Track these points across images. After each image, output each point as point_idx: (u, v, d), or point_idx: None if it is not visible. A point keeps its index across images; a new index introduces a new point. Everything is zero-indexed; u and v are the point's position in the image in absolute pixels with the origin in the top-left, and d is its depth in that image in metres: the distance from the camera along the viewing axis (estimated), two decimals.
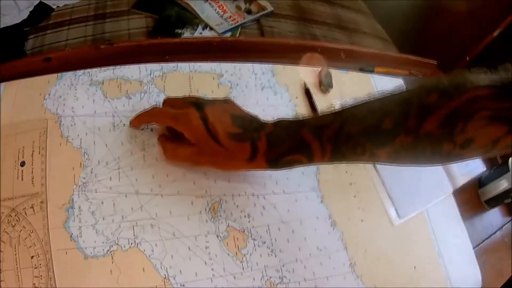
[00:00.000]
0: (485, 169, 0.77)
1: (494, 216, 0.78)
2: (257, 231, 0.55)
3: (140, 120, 0.57)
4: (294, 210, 0.58)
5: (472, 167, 0.75)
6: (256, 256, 0.54)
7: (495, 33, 1.28)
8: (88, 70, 0.61)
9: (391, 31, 1.52)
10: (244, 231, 0.55)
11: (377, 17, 1.58)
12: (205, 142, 0.51)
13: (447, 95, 0.45)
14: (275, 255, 0.55)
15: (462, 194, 0.74)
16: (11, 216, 0.50)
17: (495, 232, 0.75)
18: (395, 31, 1.53)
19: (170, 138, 0.56)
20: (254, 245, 0.54)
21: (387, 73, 0.78)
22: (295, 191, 0.60)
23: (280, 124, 0.52)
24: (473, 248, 0.70)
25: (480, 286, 0.68)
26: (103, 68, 0.62)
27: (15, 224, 0.49)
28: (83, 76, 0.61)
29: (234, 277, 0.52)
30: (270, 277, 0.53)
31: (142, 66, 0.63)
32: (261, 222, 0.56)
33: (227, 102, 0.56)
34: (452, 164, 0.72)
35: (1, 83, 0.59)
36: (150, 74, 0.63)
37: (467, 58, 1.34)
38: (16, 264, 0.48)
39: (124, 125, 0.57)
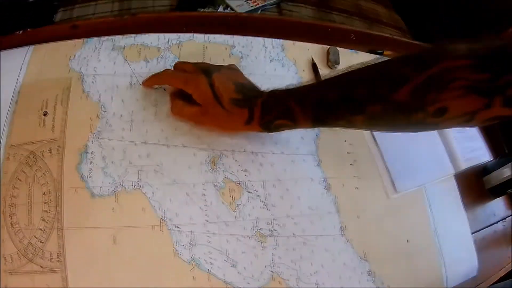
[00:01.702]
0: (491, 158, 0.78)
1: (498, 207, 0.79)
2: (252, 185, 0.61)
3: (153, 81, 0.64)
4: (290, 170, 0.63)
5: (476, 154, 0.77)
6: (249, 208, 0.59)
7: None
8: (112, 36, 0.69)
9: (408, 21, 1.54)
10: (240, 184, 0.60)
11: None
12: (211, 104, 0.58)
13: (423, 65, 0.48)
14: (267, 209, 0.60)
15: (466, 181, 0.76)
16: (29, 158, 0.57)
17: (497, 222, 0.76)
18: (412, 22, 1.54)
19: (180, 96, 0.62)
20: (248, 198, 0.60)
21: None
22: (293, 153, 0.65)
23: (273, 93, 0.59)
24: (472, 233, 0.72)
25: (476, 272, 0.69)
26: (125, 36, 0.69)
27: (32, 164, 0.57)
28: (106, 42, 0.69)
29: (226, 224, 0.58)
30: (260, 229, 0.59)
31: (161, 35, 0.70)
32: (257, 177, 0.61)
33: (231, 69, 0.64)
34: (454, 144, 0.75)
35: (31, 46, 0.67)
36: (168, 42, 0.70)
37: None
38: (29, 199, 0.55)
39: (140, 84, 0.65)
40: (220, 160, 0.61)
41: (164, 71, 0.64)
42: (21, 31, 0.70)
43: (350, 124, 0.55)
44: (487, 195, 0.79)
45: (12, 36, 0.70)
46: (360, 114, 0.52)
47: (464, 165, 0.74)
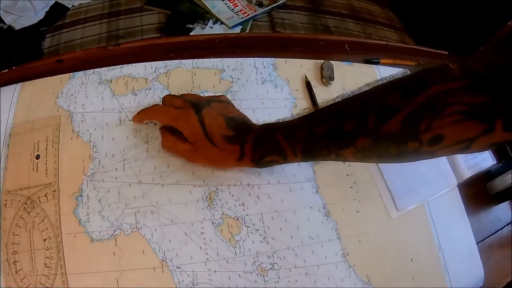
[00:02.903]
0: (494, 162, 0.78)
1: (502, 212, 0.79)
2: (250, 219, 0.62)
3: (142, 117, 0.65)
4: (288, 200, 0.65)
5: (479, 160, 0.77)
6: (248, 243, 0.61)
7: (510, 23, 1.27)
8: (98, 69, 0.70)
9: (404, 18, 1.54)
10: (238, 219, 0.62)
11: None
12: (202, 142, 0.59)
13: (410, 93, 0.46)
14: (267, 242, 0.61)
15: (469, 188, 0.77)
16: (27, 204, 0.60)
17: (503, 227, 0.77)
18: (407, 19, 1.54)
19: (170, 131, 0.63)
20: (247, 232, 0.61)
21: (394, 64, 0.81)
22: (290, 181, 0.66)
23: (263, 128, 0.60)
24: (478, 243, 0.72)
25: (482, 284, 0.70)
26: (111, 67, 0.70)
27: (30, 210, 0.59)
28: (93, 75, 0.70)
29: (227, 261, 0.59)
30: (262, 263, 0.60)
31: (148, 64, 0.71)
32: (255, 211, 0.63)
33: (221, 101, 0.64)
34: (457, 155, 0.75)
35: (18, 84, 0.69)
36: (155, 71, 0.71)
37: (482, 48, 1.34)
38: (30, 246, 0.57)
39: (129, 120, 0.66)
40: (217, 196, 0.62)
41: (153, 106, 0.64)
42: (6, 70, 0.71)
43: (340, 157, 0.55)
44: (491, 200, 0.79)
45: None
46: (349, 147, 0.52)
47: (467, 173, 0.75)
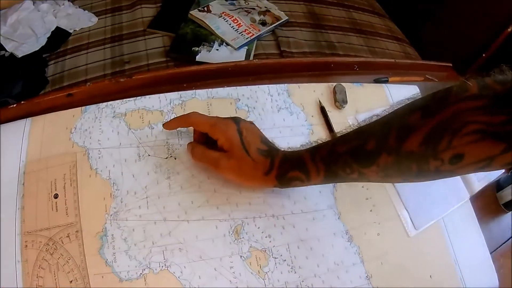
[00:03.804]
0: (503, 171, 0.81)
1: None
2: (277, 250, 0.64)
3: (177, 123, 0.67)
4: (312, 228, 0.67)
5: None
6: (277, 273, 0.63)
7: (510, 29, 1.32)
8: (111, 102, 0.71)
9: (405, 30, 1.58)
10: (265, 251, 0.64)
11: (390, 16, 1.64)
12: (238, 150, 0.62)
13: (430, 113, 0.48)
14: (295, 272, 0.63)
15: (480, 199, 0.80)
16: (49, 245, 0.60)
17: None
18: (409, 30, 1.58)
19: (199, 143, 0.66)
20: (275, 263, 0.63)
21: (402, 82, 0.84)
22: (313, 210, 0.68)
23: (290, 150, 0.64)
24: (491, 253, 0.75)
25: None
26: (124, 100, 0.71)
27: (53, 252, 0.59)
28: (106, 108, 0.70)
29: None
30: None
31: (162, 96, 0.73)
32: (281, 242, 0.65)
33: (252, 123, 0.67)
34: None
35: (28, 118, 0.69)
36: (170, 103, 0.72)
37: (484, 55, 1.38)
38: None
39: (148, 155, 0.67)
40: (243, 229, 0.64)
41: (190, 113, 0.66)
42: (15, 105, 0.71)
43: (362, 176, 0.57)
44: (501, 210, 0.82)
45: (6, 109, 0.71)
46: (371, 166, 0.54)
47: (478, 186, 0.78)
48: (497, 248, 0.78)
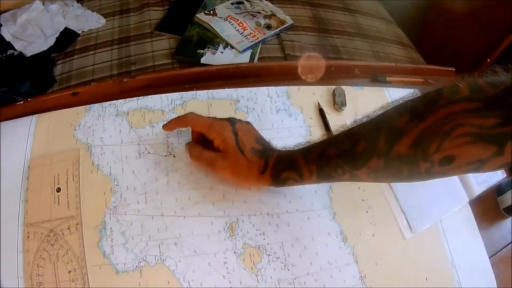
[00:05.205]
0: (504, 176, 0.83)
1: None
2: (271, 247, 0.67)
3: (175, 124, 0.70)
4: (307, 227, 0.70)
5: (489, 175, 0.81)
6: (270, 271, 0.66)
7: None
8: (114, 101, 0.75)
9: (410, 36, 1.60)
10: (259, 248, 0.67)
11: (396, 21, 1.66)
12: (232, 150, 0.65)
13: (419, 116, 0.50)
14: (288, 269, 0.66)
15: (480, 203, 0.81)
16: (50, 236, 0.64)
17: None
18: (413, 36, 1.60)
19: (197, 143, 0.70)
20: (269, 260, 0.66)
21: (401, 83, 0.86)
22: (307, 209, 0.71)
23: (285, 150, 0.66)
24: (490, 257, 0.77)
25: None
26: (127, 99, 0.75)
27: (53, 243, 0.63)
28: (109, 107, 0.75)
29: None
30: None
31: (164, 96, 0.77)
32: (275, 239, 0.68)
33: (249, 124, 0.70)
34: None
35: (34, 115, 0.74)
36: (171, 103, 0.76)
37: (488, 61, 1.40)
38: (55, 278, 0.61)
39: (148, 152, 0.71)
40: (238, 226, 0.67)
41: (187, 114, 0.69)
42: (21, 102, 0.76)
43: (354, 177, 0.59)
44: (502, 215, 0.83)
45: (13, 106, 0.76)
46: (362, 168, 0.56)
47: (478, 190, 0.80)
48: (497, 252, 0.80)
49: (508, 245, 0.82)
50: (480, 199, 0.81)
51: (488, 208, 0.83)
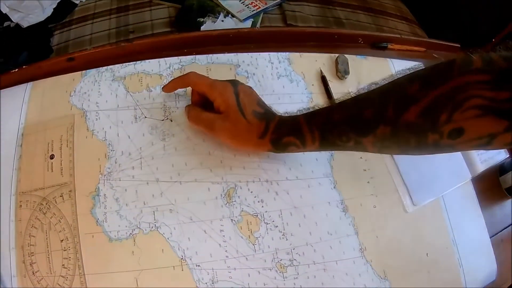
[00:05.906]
0: (507, 156, 0.81)
1: None
2: (269, 215, 0.66)
3: (175, 84, 0.69)
4: (307, 195, 0.68)
5: (493, 153, 0.80)
6: (268, 239, 0.64)
7: None
8: (111, 66, 0.73)
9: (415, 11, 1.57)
10: (257, 216, 0.65)
11: None
12: (233, 111, 0.63)
13: (430, 84, 0.48)
14: (286, 239, 0.65)
15: (482, 182, 0.80)
16: (42, 204, 0.63)
17: None
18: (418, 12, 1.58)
19: (196, 106, 0.68)
20: (267, 229, 0.65)
21: (403, 54, 0.84)
22: (308, 177, 0.69)
23: (288, 115, 0.65)
24: (491, 237, 0.76)
25: (495, 277, 0.74)
26: (124, 64, 0.74)
27: (46, 211, 0.62)
28: (106, 72, 0.73)
29: (246, 258, 0.63)
30: (281, 260, 0.64)
31: (162, 60, 0.75)
32: (273, 207, 0.66)
33: (251, 88, 0.68)
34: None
35: (29, 83, 0.72)
36: (169, 67, 0.74)
37: (493, 40, 1.37)
38: (47, 247, 0.61)
39: (145, 117, 0.69)
40: (236, 193, 0.66)
41: (190, 72, 0.67)
42: (17, 69, 0.74)
43: (359, 145, 0.57)
44: (504, 195, 0.82)
45: (9, 74, 0.74)
46: (368, 136, 0.55)
47: (481, 167, 0.78)
48: (498, 232, 0.79)
49: (509, 226, 0.81)
50: (482, 177, 0.80)
51: (490, 187, 0.82)
